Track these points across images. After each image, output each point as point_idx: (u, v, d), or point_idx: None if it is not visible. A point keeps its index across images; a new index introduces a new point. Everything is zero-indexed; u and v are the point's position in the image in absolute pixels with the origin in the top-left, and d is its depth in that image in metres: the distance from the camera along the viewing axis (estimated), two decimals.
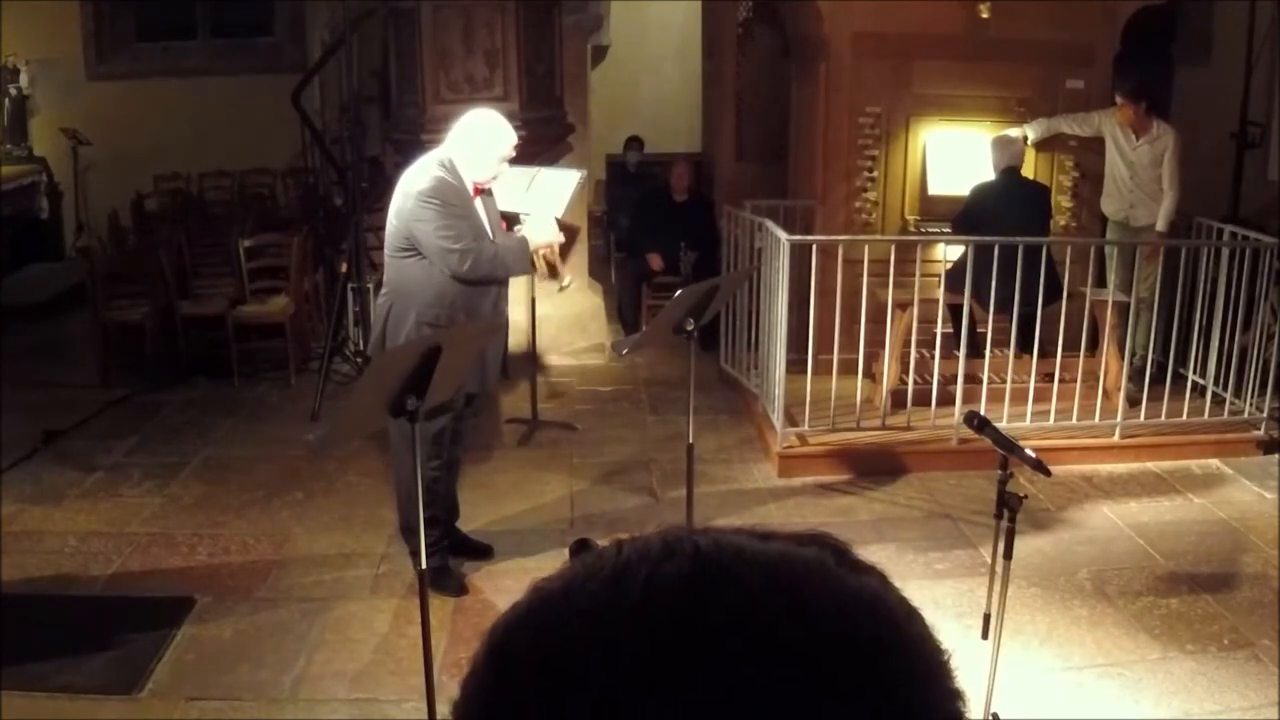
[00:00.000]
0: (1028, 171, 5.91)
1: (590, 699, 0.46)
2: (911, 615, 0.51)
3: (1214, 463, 5.42)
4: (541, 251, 4.19)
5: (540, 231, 4.14)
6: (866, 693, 0.47)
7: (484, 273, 3.93)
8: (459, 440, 4.29)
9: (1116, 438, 5.42)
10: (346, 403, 3.20)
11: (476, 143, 3.98)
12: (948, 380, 5.40)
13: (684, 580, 0.48)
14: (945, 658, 0.51)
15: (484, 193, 4.09)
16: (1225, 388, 5.58)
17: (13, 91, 9.34)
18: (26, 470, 5.24)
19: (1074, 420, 5.37)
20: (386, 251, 4.06)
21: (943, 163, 6.14)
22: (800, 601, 0.48)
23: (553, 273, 4.29)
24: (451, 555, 4.29)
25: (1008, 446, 3.11)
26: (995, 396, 5.31)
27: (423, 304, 3.95)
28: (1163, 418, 5.48)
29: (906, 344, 5.53)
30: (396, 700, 3.47)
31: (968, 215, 5.61)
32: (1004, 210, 5.47)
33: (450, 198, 3.88)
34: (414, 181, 3.92)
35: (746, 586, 0.48)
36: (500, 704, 0.49)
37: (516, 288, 6.15)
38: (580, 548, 1.65)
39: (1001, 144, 5.72)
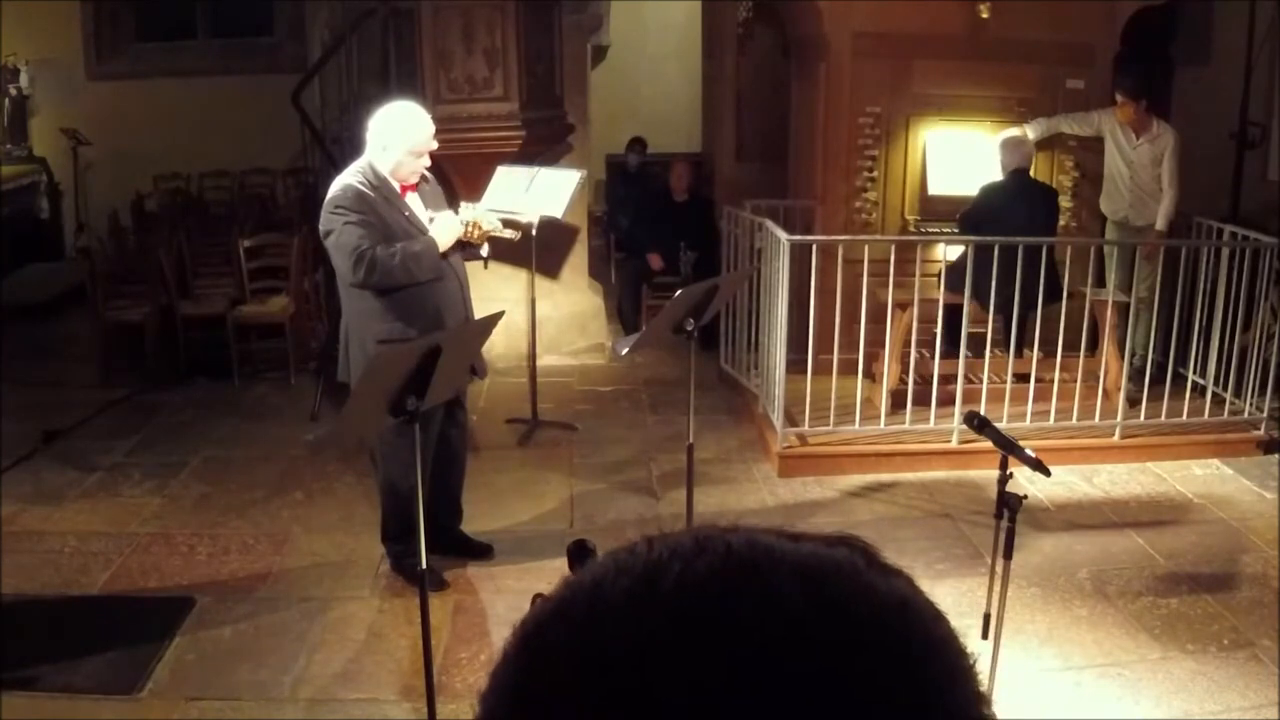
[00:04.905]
0: None
1: (622, 693, 0.46)
2: (939, 618, 0.52)
3: (1214, 463, 5.42)
4: (478, 235, 3.98)
5: (447, 232, 3.89)
6: (896, 692, 0.47)
7: (380, 278, 3.70)
8: (450, 443, 4.19)
9: (1116, 438, 5.42)
10: (346, 404, 3.19)
11: (385, 139, 3.81)
12: (948, 380, 5.40)
13: (716, 576, 0.49)
14: (970, 661, 0.51)
15: (418, 188, 3.93)
16: (1225, 388, 5.57)
17: (13, 91, 9.36)
18: (26, 470, 5.24)
19: (1074, 420, 5.37)
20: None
21: (943, 163, 6.13)
22: (831, 600, 0.49)
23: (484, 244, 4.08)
24: (452, 555, 4.29)
25: (1008, 446, 3.12)
26: (995, 396, 5.32)
27: (374, 319, 3.80)
28: (1163, 418, 5.48)
29: (906, 344, 5.53)
30: (396, 700, 3.47)
31: (975, 215, 5.58)
32: (1013, 211, 5.45)
33: (355, 205, 3.70)
34: (330, 191, 3.79)
35: (778, 584, 0.49)
36: (531, 695, 0.49)
37: (516, 289, 6.18)
38: (578, 549, 1.64)
39: (1011, 145, 5.68)
